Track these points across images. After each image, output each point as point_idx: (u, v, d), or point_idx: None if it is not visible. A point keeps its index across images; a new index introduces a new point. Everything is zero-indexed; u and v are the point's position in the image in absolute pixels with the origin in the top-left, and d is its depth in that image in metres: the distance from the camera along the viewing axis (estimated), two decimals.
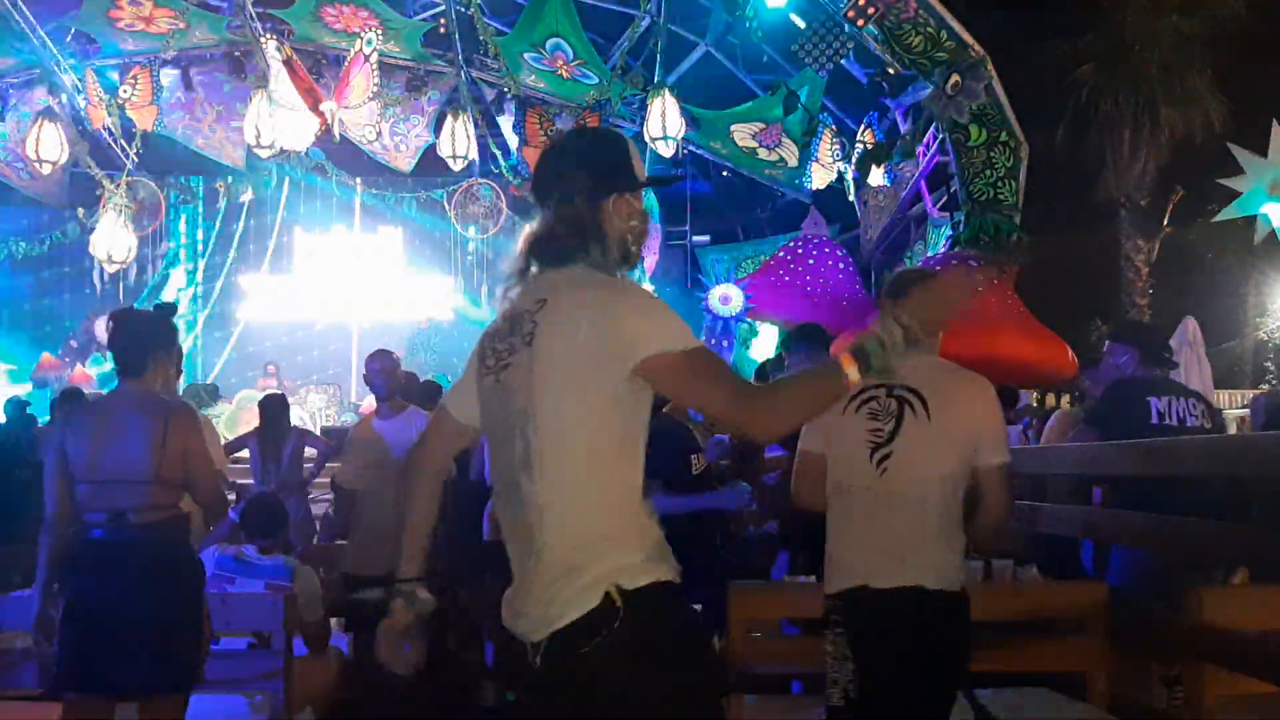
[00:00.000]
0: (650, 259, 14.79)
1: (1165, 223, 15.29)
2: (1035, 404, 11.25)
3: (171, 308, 3.48)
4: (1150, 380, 4.06)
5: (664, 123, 11.42)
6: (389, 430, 4.87)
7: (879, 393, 2.58)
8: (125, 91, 12.35)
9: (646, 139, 11.87)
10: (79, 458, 3.12)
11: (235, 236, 16.33)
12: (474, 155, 13.01)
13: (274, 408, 7.18)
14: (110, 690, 3.07)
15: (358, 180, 15.58)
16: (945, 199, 11.59)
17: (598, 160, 1.91)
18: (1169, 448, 3.50)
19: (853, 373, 1.78)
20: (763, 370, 6.11)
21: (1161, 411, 3.86)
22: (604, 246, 1.86)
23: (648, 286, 1.80)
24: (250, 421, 13.69)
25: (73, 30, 12.02)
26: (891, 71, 11.17)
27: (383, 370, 4.92)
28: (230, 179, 14.91)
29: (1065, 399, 10.72)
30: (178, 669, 3.08)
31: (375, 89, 11.92)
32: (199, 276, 16.56)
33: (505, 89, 13.09)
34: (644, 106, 12.04)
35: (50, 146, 11.78)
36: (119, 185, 13.42)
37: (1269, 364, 16.35)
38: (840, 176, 12.80)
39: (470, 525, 5.45)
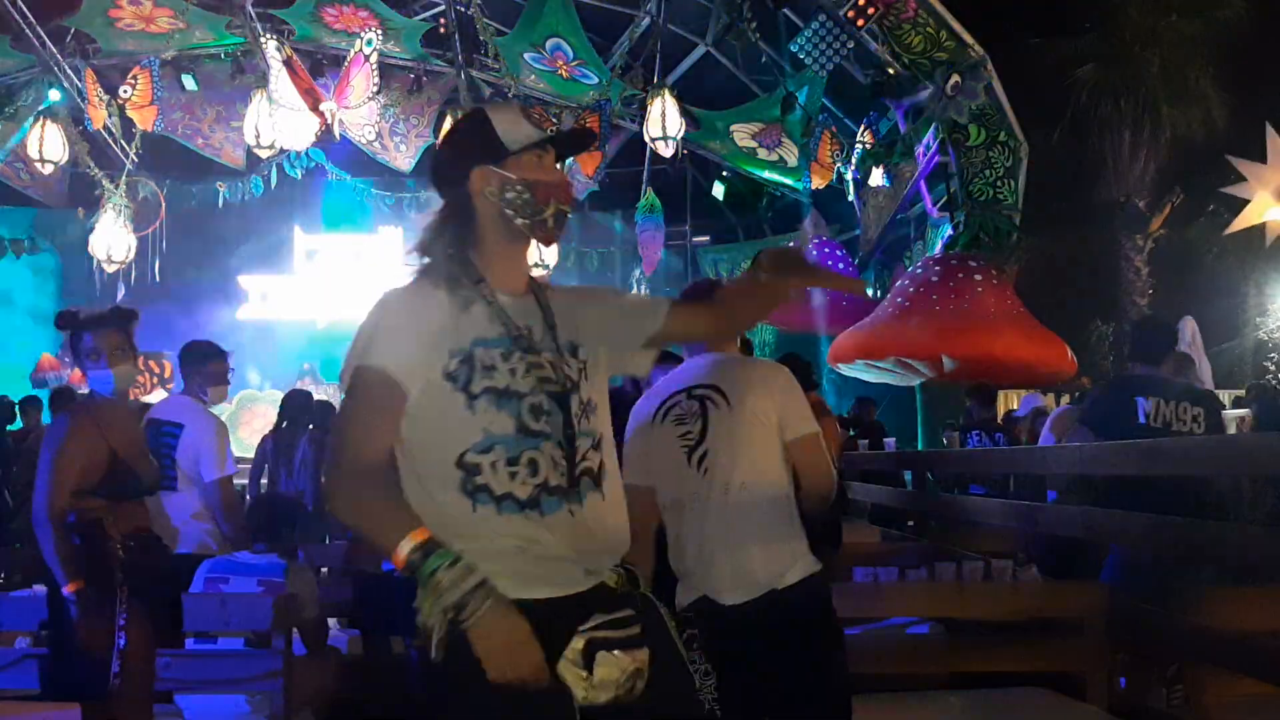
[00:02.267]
0: (650, 259, 14.77)
1: (1165, 223, 15.25)
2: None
3: (64, 313, 3.34)
4: (1141, 379, 4.05)
5: (664, 123, 11.41)
6: None
7: (680, 398, 2.63)
8: (125, 91, 12.33)
9: (646, 139, 11.86)
10: None
11: (235, 237, 16.30)
12: None
13: (291, 407, 6.76)
14: (58, 694, 3.11)
15: (358, 180, 15.57)
16: (945, 199, 11.58)
17: None
18: (1168, 448, 3.50)
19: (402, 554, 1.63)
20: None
21: (1149, 412, 3.84)
22: None
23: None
24: (250, 422, 13.76)
25: (73, 30, 12.01)
26: (891, 72, 11.15)
27: None
28: (230, 179, 14.88)
29: (1065, 399, 10.70)
30: (80, 672, 3.03)
31: (375, 89, 11.91)
32: (197, 277, 16.53)
33: (505, 89, 13.08)
34: (644, 106, 12.03)
35: (51, 146, 11.77)
36: (119, 185, 13.40)
37: (1269, 364, 16.29)
38: (840, 176, 12.78)
39: None
